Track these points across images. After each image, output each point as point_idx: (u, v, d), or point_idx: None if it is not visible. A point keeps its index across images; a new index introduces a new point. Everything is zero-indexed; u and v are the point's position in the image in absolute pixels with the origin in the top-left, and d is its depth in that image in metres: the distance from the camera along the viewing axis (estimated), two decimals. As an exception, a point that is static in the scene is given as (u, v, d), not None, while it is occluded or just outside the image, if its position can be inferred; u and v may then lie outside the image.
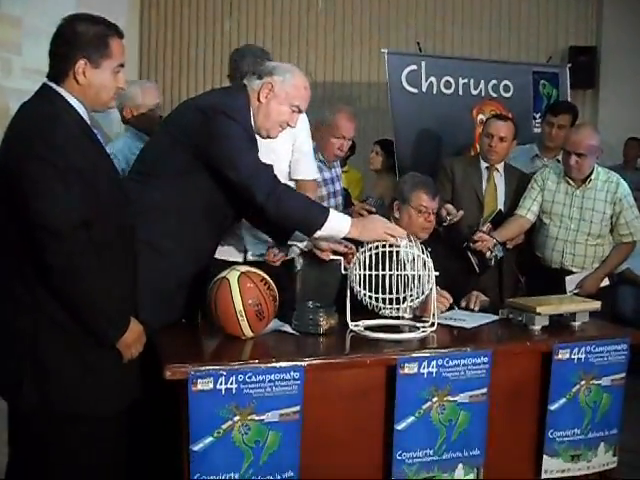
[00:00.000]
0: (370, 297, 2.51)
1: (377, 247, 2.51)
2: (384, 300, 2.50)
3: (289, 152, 3.14)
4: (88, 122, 2.10)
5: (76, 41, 2.01)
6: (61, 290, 1.96)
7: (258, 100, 2.57)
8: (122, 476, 2.21)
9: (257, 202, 2.45)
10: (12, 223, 1.96)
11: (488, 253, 3.44)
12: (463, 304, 2.93)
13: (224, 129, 2.47)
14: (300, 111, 2.63)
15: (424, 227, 3.05)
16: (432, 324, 2.53)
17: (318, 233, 2.49)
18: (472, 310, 2.89)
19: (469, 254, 3.45)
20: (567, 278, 3.56)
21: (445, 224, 3.52)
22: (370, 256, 2.50)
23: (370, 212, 3.33)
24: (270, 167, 2.53)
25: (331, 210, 2.54)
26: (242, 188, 2.47)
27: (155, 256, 2.44)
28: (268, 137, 2.64)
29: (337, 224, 2.50)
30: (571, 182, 3.56)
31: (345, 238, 2.57)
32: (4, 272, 2.01)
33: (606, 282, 3.61)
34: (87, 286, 1.97)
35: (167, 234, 2.49)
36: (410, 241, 2.55)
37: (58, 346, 2.00)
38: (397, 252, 2.51)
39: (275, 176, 2.51)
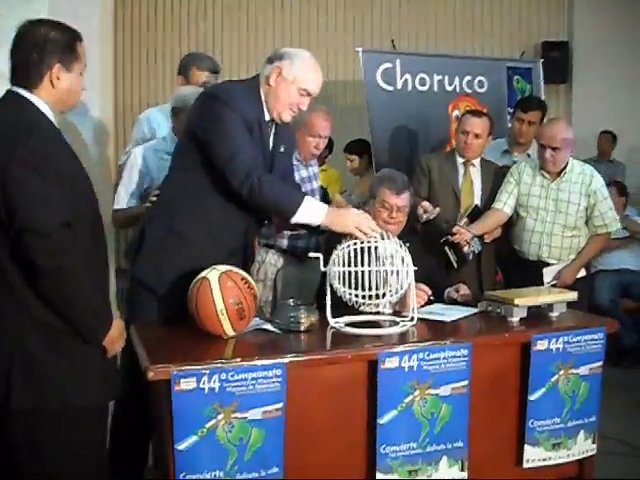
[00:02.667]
0: (350, 293, 2.53)
1: (355, 243, 2.53)
2: (363, 296, 2.52)
3: None
4: (57, 127, 2.13)
5: (50, 46, 2.04)
6: (51, 290, 1.98)
7: (268, 84, 2.64)
8: (113, 465, 2.29)
9: (232, 186, 2.53)
10: None
11: (466, 248, 3.48)
12: (454, 294, 2.95)
13: (213, 113, 2.56)
14: (309, 95, 2.67)
15: (387, 222, 3.01)
16: (412, 319, 2.55)
17: (293, 219, 2.55)
18: (455, 300, 2.91)
19: (447, 249, 3.49)
20: (544, 270, 3.61)
21: (422, 221, 3.55)
22: (349, 252, 2.52)
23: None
24: (253, 153, 2.57)
25: (306, 197, 2.58)
26: (220, 171, 2.55)
27: (180, 244, 2.59)
28: (281, 120, 2.70)
29: (312, 211, 2.55)
30: (546, 175, 3.61)
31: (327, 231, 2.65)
32: None
33: (583, 273, 3.67)
34: (75, 285, 1.99)
35: (188, 220, 2.61)
36: (388, 237, 2.57)
37: (44, 345, 2.01)
38: (376, 248, 2.53)
39: (255, 162, 2.56)
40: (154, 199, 2.88)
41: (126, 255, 2.84)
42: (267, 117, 2.70)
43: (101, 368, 2.14)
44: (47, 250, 1.92)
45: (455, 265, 3.51)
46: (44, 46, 2.04)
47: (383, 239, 2.56)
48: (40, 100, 2.06)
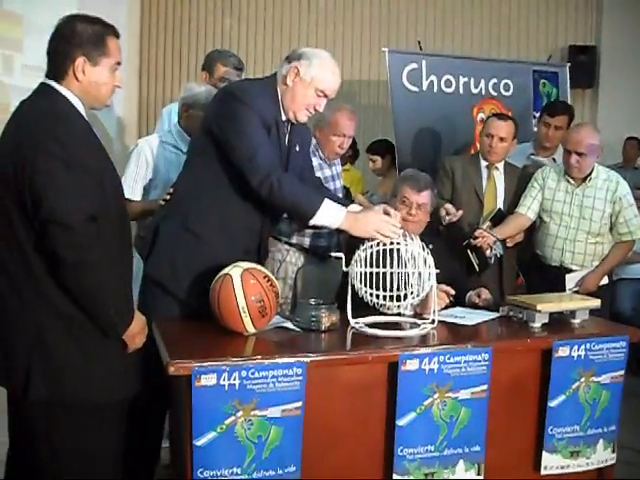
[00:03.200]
0: (371, 294, 2.52)
1: (378, 244, 2.52)
2: (385, 297, 2.51)
3: None
4: (87, 120, 2.14)
5: (75, 39, 2.06)
6: (72, 283, 1.99)
7: (285, 84, 2.62)
8: (125, 462, 2.26)
9: (252, 186, 2.51)
10: (20, 219, 1.98)
11: (488, 251, 3.47)
12: (475, 298, 2.94)
13: (231, 111, 2.55)
14: (326, 96, 2.66)
15: (406, 220, 2.99)
16: (432, 321, 2.55)
17: (311, 222, 2.54)
18: (476, 304, 2.90)
19: (469, 253, 3.47)
20: (567, 276, 3.58)
21: (445, 223, 3.53)
22: (371, 253, 2.51)
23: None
24: (273, 153, 2.57)
25: (326, 200, 2.56)
26: (239, 171, 2.53)
27: (194, 241, 2.58)
28: (297, 121, 2.69)
29: (331, 214, 2.54)
30: (571, 181, 3.58)
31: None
32: (10, 266, 2.03)
33: (605, 280, 3.64)
34: (97, 278, 2.00)
35: (203, 218, 2.60)
36: (411, 239, 2.56)
37: (64, 338, 2.03)
38: (398, 250, 2.53)
39: (274, 162, 2.55)
40: (168, 197, 2.86)
41: (138, 252, 2.83)
42: (283, 117, 2.68)
43: (121, 363, 2.15)
44: (71, 243, 1.93)
45: (477, 269, 3.50)
46: (69, 39, 2.06)
47: (406, 240, 2.55)
48: (70, 92, 2.08)
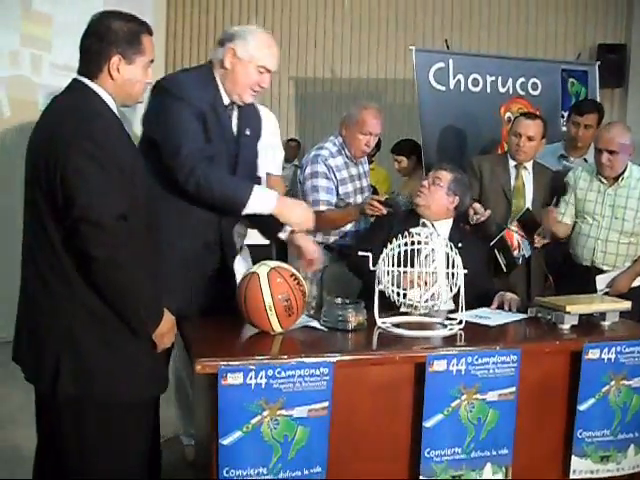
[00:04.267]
0: (398, 293, 2.50)
1: (406, 244, 2.50)
2: (411, 297, 2.49)
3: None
4: (119, 117, 2.13)
5: (111, 37, 2.04)
6: (103, 281, 1.98)
7: (223, 67, 2.56)
8: (150, 462, 2.26)
9: (179, 182, 2.44)
10: (51, 216, 1.98)
11: (516, 252, 3.44)
12: (494, 306, 2.89)
13: (159, 106, 2.49)
14: (268, 71, 2.60)
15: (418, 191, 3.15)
16: (460, 322, 2.52)
17: (244, 211, 2.49)
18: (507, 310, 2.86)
19: (497, 253, 3.44)
20: (598, 277, 3.53)
21: (472, 223, 3.50)
22: (399, 252, 2.49)
23: (381, 203, 3.32)
24: (198, 146, 2.47)
25: (255, 187, 2.51)
26: (166, 166, 2.45)
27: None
28: (243, 102, 2.63)
29: (263, 200, 2.49)
30: (604, 180, 3.53)
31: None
32: (42, 264, 2.03)
33: (638, 282, 3.57)
34: (128, 277, 1.99)
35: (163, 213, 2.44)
36: (438, 236, 2.54)
37: (94, 337, 2.02)
38: (425, 249, 2.50)
39: (199, 156, 2.45)
40: None
41: None
42: (226, 101, 2.61)
43: (149, 362, 2.14)
44: (102, 241, 1.92)
45: (504, 269, 3.46)
46: (104, 36, 2.04)
47: (434, 240, 2.53)
48: (102, 90, 2.07)
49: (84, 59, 2.07)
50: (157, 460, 2.47)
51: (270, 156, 3.23)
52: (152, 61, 2.15)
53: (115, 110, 2.11)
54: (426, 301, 2.50)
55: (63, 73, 5.05)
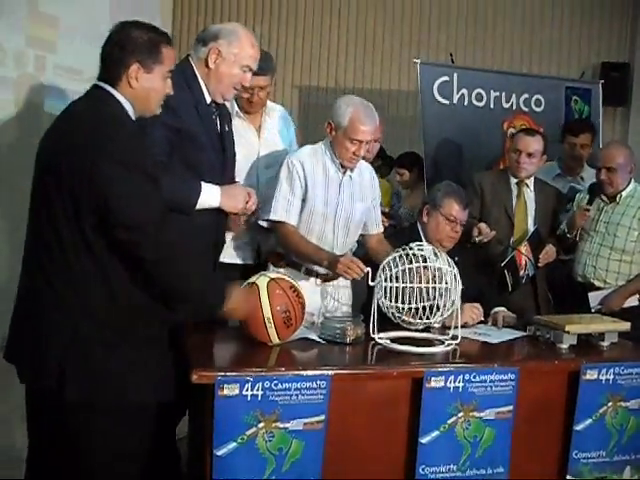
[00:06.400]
0: (396, 308, 2.48)
1: (404, 263, 2.48)
2: (410, 313, 2.48)
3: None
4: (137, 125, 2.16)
5: (130, 46, 2.07)
6: (158, 279, 2.05)
7: (207, 67, 2.56)
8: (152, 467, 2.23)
9: None
10: (65, 219, 1.97)
11: (522, 271, 3.44)
12: (490, 323, 2.90)
13: None
14: (251, 70, 2.61)
15: (450, 236, 3.06)
16: (454, 337, 2.51)
17: (197, 207, 2.51)
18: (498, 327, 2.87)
19: (506, 272, 3.44)
20: (590, 294, 3.52)
21: (474, 242, 3.49)
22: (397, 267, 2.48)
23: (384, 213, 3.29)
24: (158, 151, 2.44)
25: (202, 183, 2.53)
26: None
27: None
28: (225, 100, 2.66)
29: (209, 197, 2.54)
30: (604, 198, 3.55)
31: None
32: (48, 265, 2.02)
33: (634, 302, 3.56)
34: (178, 270, 2.06)
35: None
36: (440, 254, 2.53)
37: (100, 341, 2.01)
38: (425, 266, 2.48)
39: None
40: None
41: None
42: (208, 100, 2.61)
43: (158, 368, 2.12)
44: (145, 243, 1.97)
45: (510, 288, 3.46)
46: (124, 45, 2.06)
47: (436, 256, 2.52)
48: (122, 97, 2.08)
49: (104, 66, 2.10)
50: (175, 461, 2.47)
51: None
52: (171, 71, 2.16)
53: (133, 117, 2.12)
54: (425, 314, 2.48)
55: (68, 75, 5.05)
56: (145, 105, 2.13)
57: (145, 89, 2.09)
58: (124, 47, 2.06)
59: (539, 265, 3.54)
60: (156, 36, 2.12)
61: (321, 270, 2.88)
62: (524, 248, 3.49)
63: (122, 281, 2.02)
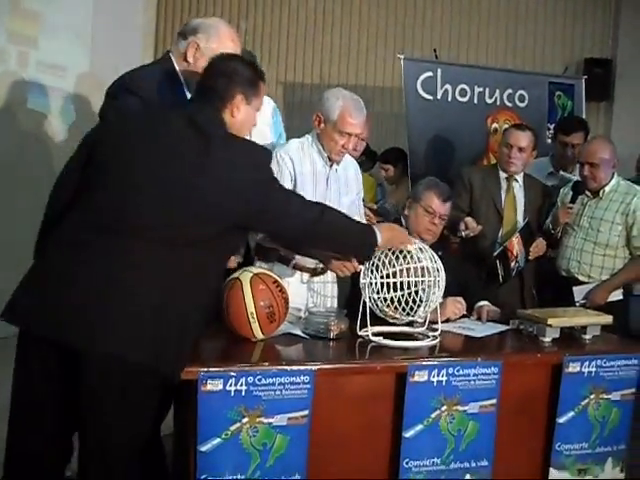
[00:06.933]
0: (381, 302, 2.49)
1: (387, 255, 2.48)
2: (395, 307, 2.48)
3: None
4: None
5: (237, 78, 2.19)
6: (323, 239, 2.32)
7: (185, 60, 2.54)
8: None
9: None
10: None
11: (513, 263, 3.45)
12: (474, 317, 2.91)
13: (113, 102, 2.44)
14: None
15: (428, 228, 3.04)
16: (437, 330, 2.52)
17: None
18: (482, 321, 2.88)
19: (497, 264, 3.45)
20: (574, 288, 3.54)
21: (460, 236, 3.50)
22: (382, 262, 2.48)
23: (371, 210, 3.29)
24: None
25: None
26: None
27: None
28: None
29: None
30: (588, 193, 3.57)
31: None
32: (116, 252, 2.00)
33: (619, 296, 3.58)
34: (335, 223, 2.30)
35: None
36: (424, 249, 2.54)
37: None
38: (410, 257, 2.49)
39: None
40: None
41: None
42: (189, 95, 2.56)
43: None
44: (307, 229, 2.23)
45: (501, 280, 3.47)
46: (231, 76, 2.18)
47: (421, 251, 2.52)
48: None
49: (208, 96, 2.17)
50: (160, 458, 2.47)
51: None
52: (258, 109, 2.29)
53: None
54: (410, 309, 2.48)
55: (51, 71, 5.03)
56: (239, 133, 2.22)
57: (242, 120, 2.21)
58: (232, 78, 2.18)
59: (529, 258, 3.55)
60: (257, 72, 2.27)
61: (309, 264, 2.87)
62: (516, 240, 3.50)
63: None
